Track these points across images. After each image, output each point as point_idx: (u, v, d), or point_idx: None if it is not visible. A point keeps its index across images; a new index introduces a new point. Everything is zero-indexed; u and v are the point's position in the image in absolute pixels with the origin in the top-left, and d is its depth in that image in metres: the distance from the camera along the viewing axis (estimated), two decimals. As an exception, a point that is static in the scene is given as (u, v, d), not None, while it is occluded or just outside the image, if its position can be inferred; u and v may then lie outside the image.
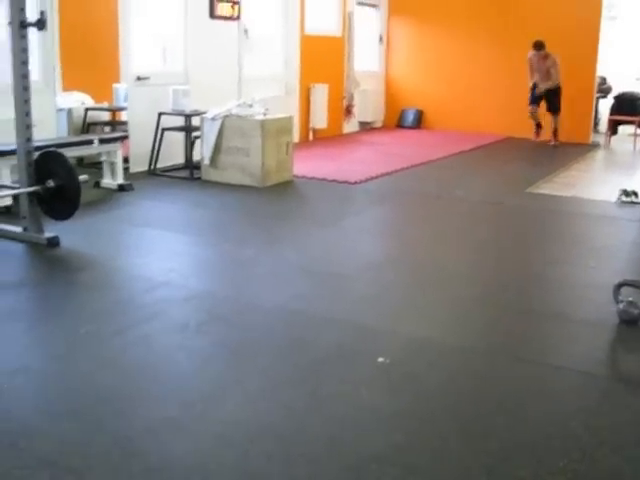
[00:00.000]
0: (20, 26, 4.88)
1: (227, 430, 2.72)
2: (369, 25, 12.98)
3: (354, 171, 8.21)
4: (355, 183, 7.60)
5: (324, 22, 11.43)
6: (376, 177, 7.94)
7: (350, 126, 12.34)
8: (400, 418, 2.86)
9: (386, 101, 13.34)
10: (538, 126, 11.24)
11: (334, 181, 7.67)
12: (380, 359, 3.34)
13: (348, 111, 12.14)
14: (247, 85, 9.41)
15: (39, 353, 3.47)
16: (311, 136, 11.24)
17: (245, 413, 2.86)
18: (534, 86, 10.99)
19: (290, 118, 7.93)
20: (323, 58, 11.22)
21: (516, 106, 11.53)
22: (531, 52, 10.88)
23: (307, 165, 8.43)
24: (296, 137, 9.96)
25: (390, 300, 4.27)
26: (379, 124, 13.21)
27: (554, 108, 11.04)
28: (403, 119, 13.12)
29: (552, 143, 11.09)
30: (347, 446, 2.63)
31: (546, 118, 11.12)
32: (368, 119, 12.79)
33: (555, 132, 11.15)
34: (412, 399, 3.02)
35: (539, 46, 10.72)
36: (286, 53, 10.62)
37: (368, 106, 12.69)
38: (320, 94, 11.14)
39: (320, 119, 11.22)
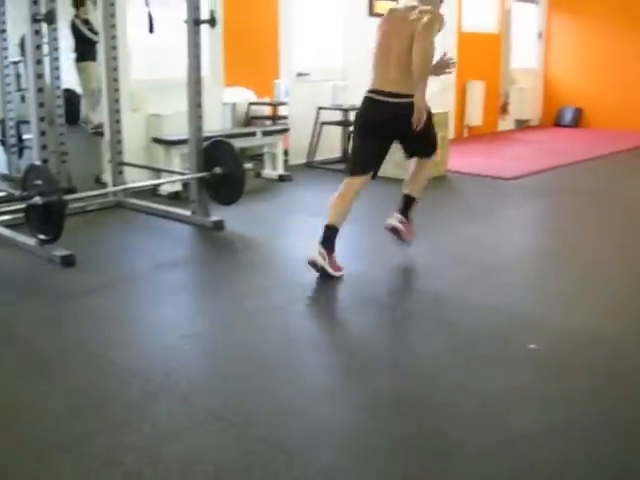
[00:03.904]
0: (194, 23, 5.22)
1: (379, 400, 2.86)
2: (528, 21, 12.78)
3: (509, 167, 8.17)
4: (509, 179, 7.57)
5: (482, 19, 11.38)
6: (531, 174, 7.87)
7: (505, 124, 12.22)
8: (550, 402, 2.89)
9: (544, 99, 13.09)
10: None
11: (488, 176, 7.67)
12: (531, 345, 3.38)
13: (504, 109, 12.03)
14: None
15: (207, 322, 3.74)
16: (466, 133, 11.23)
17: (397, 387, 2.98)
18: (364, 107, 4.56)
19: (446, 114, 7.98)
20: (480, 55, 11.17)
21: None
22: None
23: (461, 160, 8.45)
24: (451, 133, 9.98)
25: (541, 290, 4.28)
26: (535, 122, 12.98)
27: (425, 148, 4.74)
28: (561, 117, 12.83)
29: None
30: (496, 424, 2.70)
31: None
32: (524, 117, 12.60)
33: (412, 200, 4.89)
34: (561, 385, 3.03)
35: None
36: (443, 50, 10.57)
37: (525, 104, 12.50)
38: (476, 91, 11.11)
39: (475, 116, 11.18)
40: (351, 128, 7.73)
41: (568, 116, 12.74)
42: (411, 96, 4.22)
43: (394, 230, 4.74)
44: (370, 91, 4.40)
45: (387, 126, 4.33)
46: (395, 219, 4.75)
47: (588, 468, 2.41)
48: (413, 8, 4.27)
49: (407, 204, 4.79)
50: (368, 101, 4.42)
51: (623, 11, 11.85)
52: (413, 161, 4.70)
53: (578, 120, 12.65)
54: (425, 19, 4.12)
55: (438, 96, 9.98)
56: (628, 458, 2.47)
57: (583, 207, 6.59)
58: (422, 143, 4.56)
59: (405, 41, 4.21)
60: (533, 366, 3.20)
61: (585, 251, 5.15)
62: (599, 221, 6.09)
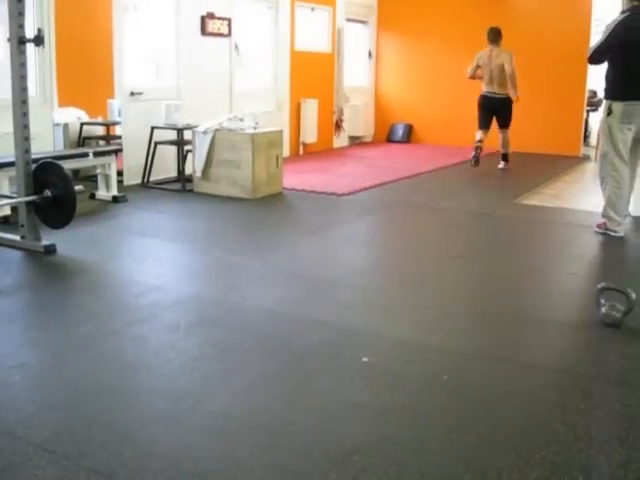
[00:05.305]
0: (19, 42, 5.07)
1: (215, 422, 2.87)
2: (358, 41, 13.20)
3: (342, 184, 8.40)
4: (343, 195, 7.79)
5: (314, 38, 11.65)
6: (364, 189, 8.13)
7: (340, 140, 12.53)
8: (382, 414, 2.99)
9: (376, 116, 13.54)
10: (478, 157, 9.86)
11: (323, 193, 7.85)
12: (364, 359, 3.50)
13: (338, 126, 12.33)
14: (238, 100, 9.61)
15: (36, 351, 3.61)
16: (301, 150, 11.42)
17: (232, 407, 3.01)
18: (483, 98, 9.92)
19: (280, 132, 8.11)
20: (313, 74, 11.43)
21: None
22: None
23: (297, 178, 8.62)
24: (286, 151, 10.16)
25: (374, 304, 4.43)
26: (369, 139, 13.40)
27: (505, 123, 9.98)
28: (393, 134, 13.33)
29: (501, 166, 10.27)
30: (330, 439, 2.77)
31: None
32: (358, 134, 12.99)
33: (506, 154, 10.24)
34: (394, 396, 3.16)
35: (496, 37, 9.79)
36: (276, 69, 10.81)
37: (358, 121, 12.88)
38: (310, 109, 11.33)
39: (310, 134, 11.40)
40: (187, 147, 7.85)
41: (399, 132, 13.24)
42: (503, 94, 9.67)
43: (503, 169, 10.09)
44: (486, 92, 9.75)
45: (492, 107, 9.75)
46: (502, 164, 10.16)
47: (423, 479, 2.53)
48: (500, 52, 9.56)
49: (505, 156, 10.19)
50: (485, 97, 9.78)
51: (448, 31, 12.45)
52: (500, 133, 10.01)
53: (409, 136, 13.18)
54: (511, 58, 9.50)
55: (272, 115, 10.15)
56: (459, 469, 2.61)
57: (409, 221, 6.90)
58: (505, 118, 9.83)
59: (498, 69, 9.53)
60: (366, 379, 3.31)
61: (412, 264, 5.37)
62: (424, 234, 6.39)
